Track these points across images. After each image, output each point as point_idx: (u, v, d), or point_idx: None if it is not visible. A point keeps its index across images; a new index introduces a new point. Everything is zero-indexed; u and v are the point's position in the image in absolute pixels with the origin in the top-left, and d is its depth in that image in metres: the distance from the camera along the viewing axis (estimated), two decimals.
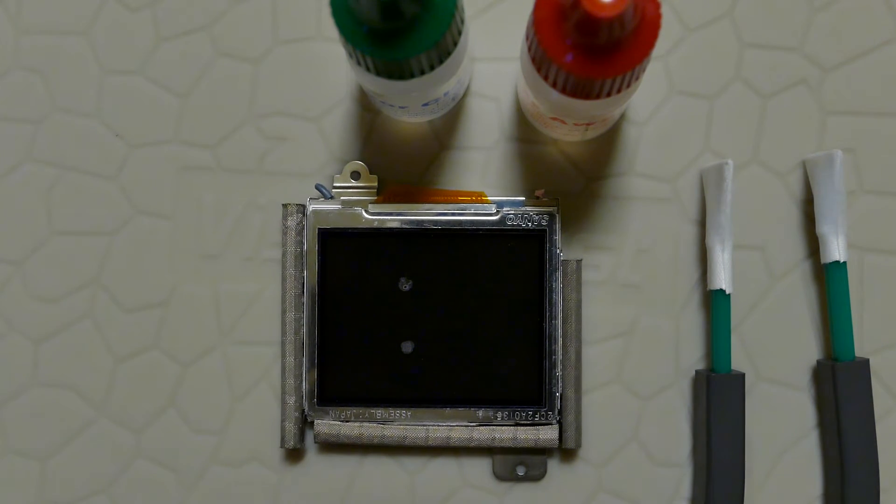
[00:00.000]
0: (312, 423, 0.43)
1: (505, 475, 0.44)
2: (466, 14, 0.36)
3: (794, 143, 0.44)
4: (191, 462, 0.44)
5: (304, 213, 0.43)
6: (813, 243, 0.44)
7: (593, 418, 0.44)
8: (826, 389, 0.42)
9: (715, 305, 0.42)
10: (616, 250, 0.44)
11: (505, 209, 0.43)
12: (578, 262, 0.43)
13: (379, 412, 0.43)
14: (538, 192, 0.43)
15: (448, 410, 0.43)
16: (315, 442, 0.43)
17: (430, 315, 0.43)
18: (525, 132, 0.44)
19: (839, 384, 0.42)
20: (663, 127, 0.44)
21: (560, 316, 0.43)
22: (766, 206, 0.44)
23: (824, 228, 0.42)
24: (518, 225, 0.43)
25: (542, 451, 0.44)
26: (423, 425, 0.43)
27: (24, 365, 0.44)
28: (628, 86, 0.34)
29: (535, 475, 0.44)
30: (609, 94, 0.34)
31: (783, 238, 0.44)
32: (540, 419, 0.43)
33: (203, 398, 0.44)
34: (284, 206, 0.43)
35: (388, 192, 0.44)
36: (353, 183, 0.43)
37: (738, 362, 0.44)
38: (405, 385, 0.43)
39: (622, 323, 0.44)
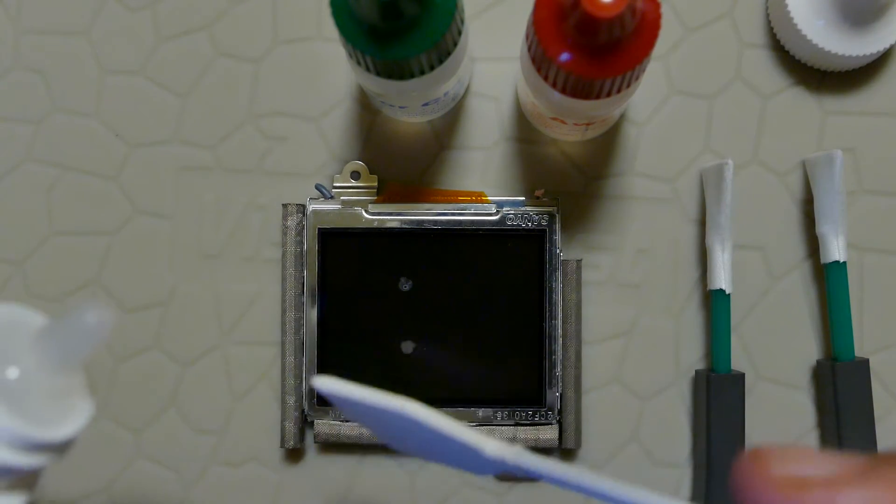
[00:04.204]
0: (312, 423, 0.43)
1: (505, 475, 0.44)
2: (466, 14, 0.36)
3: (794, 143, 0.44)
4: (191, 462, 0.44)
5: (304, 213, 0.43)
6: (813, 243, 0.44)
7: (593, 418, 0.44)
8: (826, 389, 0.42)
9: (715, 305, 0.42)
10: (616, 250, 0.44)
11: (505, 209, 0.43)
12: (578, 262, 0.43)
13: None
14: (538, 192, 0.43)
15: (448, 410, 0.43)
16: (315, 442, 0.43)
17: (430, 315, 0.43)
18: (525, 132, 0.44)
19: (839, 384, 0.42)
20: (663, 127, 0.44)
21: (560, 316, 0.43)
22: (766, 206, 0.44)
23: (824, 228, 0.42)
24: (518, 225, 0.43)
25: (542, 452, 0.44)
26: None
27: None
28: (628, 86, 0.34)
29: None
30: (609, 94, 0.34)
31: (783, 238, 0.44)
32: (540, 419, 0.43)
33: (203, 398, 0.44)
34: (284, 206, 0.43)
35: (388, 192, 0.44)
36: (353, 183, 0.43)
37: (738, 362, 0.44)
38: (405, 385, 0.43)
39: (622, 323, 0.44)
